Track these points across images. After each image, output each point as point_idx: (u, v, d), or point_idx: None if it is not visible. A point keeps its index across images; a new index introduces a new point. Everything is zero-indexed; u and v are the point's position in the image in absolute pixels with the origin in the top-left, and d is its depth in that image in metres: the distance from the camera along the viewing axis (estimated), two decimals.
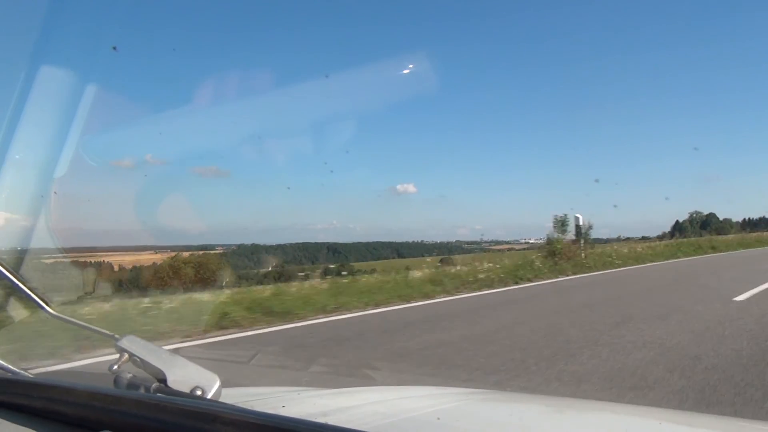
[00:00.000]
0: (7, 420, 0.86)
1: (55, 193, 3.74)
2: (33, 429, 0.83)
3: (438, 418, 1.12)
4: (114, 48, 4.97)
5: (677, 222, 46.24)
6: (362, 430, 0.73)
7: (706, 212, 48.48)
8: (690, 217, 48.70)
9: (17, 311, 2.76)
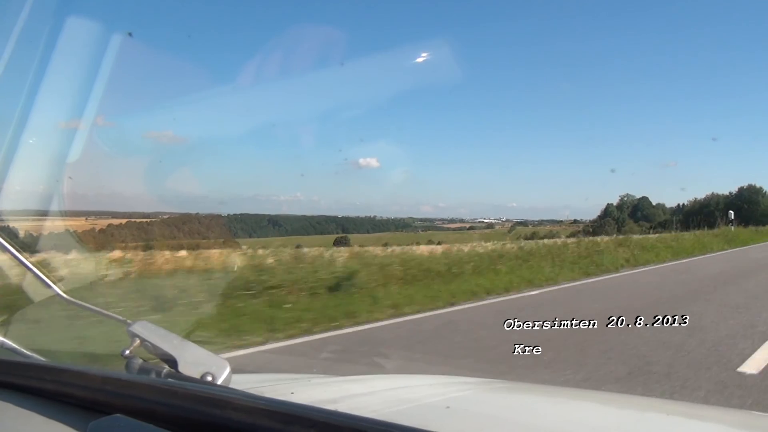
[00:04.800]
0: (20, 403, 0.87)
1: (69, 178, 3.78)
2: (45, 412, 0.83)
3: (447, 407, 1.12)
4: (130, 34, 4.94)
5: (608, 206, 40.98)
6: (372, 417, 0.73)
7: (639, 195, 41.64)
8: (620, 200, 41.96)
9: (31, 293, 2.77)
